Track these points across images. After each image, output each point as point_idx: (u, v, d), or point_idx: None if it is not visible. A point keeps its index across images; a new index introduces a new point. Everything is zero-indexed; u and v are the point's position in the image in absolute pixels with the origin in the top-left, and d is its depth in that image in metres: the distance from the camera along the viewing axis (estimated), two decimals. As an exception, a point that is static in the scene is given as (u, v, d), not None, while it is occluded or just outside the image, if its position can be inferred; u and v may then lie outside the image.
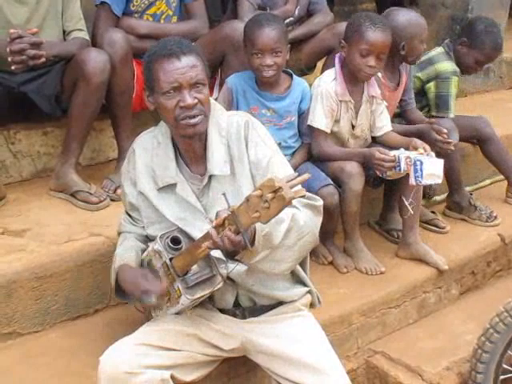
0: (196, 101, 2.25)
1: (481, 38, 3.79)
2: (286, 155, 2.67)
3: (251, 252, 2.11)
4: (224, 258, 2.23)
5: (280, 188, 1.86)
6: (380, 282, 3.21)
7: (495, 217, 3.80)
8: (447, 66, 3.76)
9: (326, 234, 3.24)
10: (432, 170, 3.02)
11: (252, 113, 3.05)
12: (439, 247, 3.51)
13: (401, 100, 3.60)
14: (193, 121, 2.25)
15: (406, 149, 3.14)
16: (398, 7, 3.57)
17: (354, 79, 3.19)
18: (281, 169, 2.33)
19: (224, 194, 2.05)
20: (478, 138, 3.99)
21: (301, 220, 2.21)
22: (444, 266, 3.33)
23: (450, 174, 3.74)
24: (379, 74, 3.31)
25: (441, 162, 3.07)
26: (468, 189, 4.10)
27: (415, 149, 3.12)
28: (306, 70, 3.89)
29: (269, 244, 2.15)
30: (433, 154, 3.09)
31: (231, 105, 3.09)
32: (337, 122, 3.21)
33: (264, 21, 3.09)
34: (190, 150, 2.36)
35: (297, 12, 3.81)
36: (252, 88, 3.15)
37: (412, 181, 3.05)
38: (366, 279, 3.13)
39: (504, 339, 2.75)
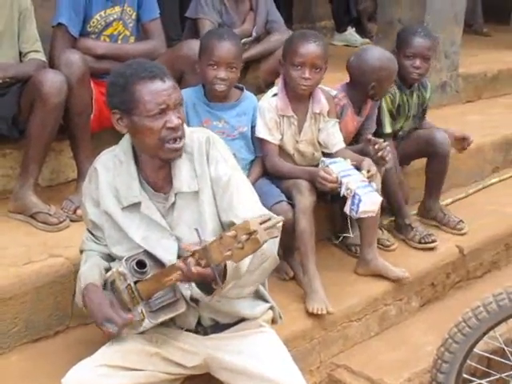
0: (180, 121, 2.28)
1: (401, 36, 3.81)
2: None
3: (222, 287, 2.14)
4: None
5: (255, 231, 1.92)
6: (341, 295, 3.23)
7: (432, 240, 3.72)
8: None
9: (287, 250, 3.27)
10: (368, 207, 3.10)
11: (204, 125, 3.09)
12: (398, 260, 3.55)
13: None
14: (177, 145, 2.29)
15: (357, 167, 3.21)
16: (374, 46, 3.56)
17: (296, 95, 3.24)
18: (241, 188, 2.38)
19: (196, 229, 2.08)
20: (430, 153, 3.90)
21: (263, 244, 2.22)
22: (405, 274, 3.35)
23: (389, 197, 3.70)
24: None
25: (379, 200, 3.16)
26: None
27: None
28: (265, 87, 3.93)
29: (238, 274, 2.17)
30: (374, 185, 3.15)
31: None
32: (280, 136, 3.26)
33: (225, 34, 3.14)
34: (158, 169, 2.37)
35: (254, 31, 3.87)
36: (202, 101, 3.18)
37: (347, 210, 3.14)
38: (327, 293, 3.13)
39: (463, 349, 2.77)
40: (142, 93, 2.25)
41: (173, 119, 2.25)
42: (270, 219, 1.99)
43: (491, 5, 7.63)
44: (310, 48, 3.16)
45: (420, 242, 3.72)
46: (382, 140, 3.34)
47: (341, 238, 3.63)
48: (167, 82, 2.27)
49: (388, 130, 3.74)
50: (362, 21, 6.68)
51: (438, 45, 3.92)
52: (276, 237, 2.04)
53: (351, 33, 6.55)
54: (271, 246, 2.26)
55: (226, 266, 2.11)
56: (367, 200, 3.10)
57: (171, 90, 2.26)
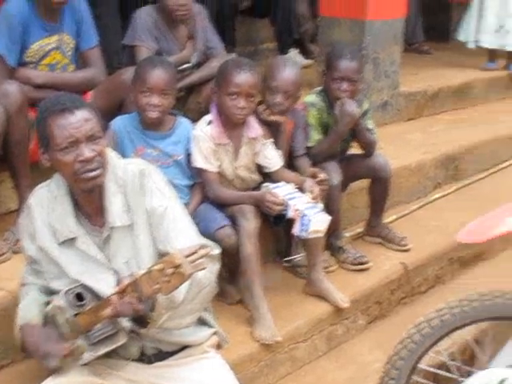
0: (94, 153, 2.25)
1: (328, 59, 3.80)
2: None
3: (155, 318, 2.16)
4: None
5: (180, 265, 1.97)
6: (288, 317, 3.25)
7: (365, 262, 3.74)
8: (307, 98, 3.78)
9: (232, 273, 3.28)
10: (318, 226, 3.16)
11: (138, 153, 3.10)
12: (344, 278, 3.60)
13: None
14: (92, 174, 2.25)
15: (300, 188, 3.25)
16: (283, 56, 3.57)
17: (230, 122, 3.25)
18: (177, 218, 2.39)
19: (127, 262, 2.12)
20: (372, 178, 3.94)
21: (200, 273, 2.22)
22: (344, 304, 3.38)
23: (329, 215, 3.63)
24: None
25: (328, 219, 3.22)
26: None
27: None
28: (207, 112, 3.94)
29: (172, 305, 2.18)
30: (321, 205, 3.21)
31: (117, 147, 3.09)
32: (218, 163, 3.27)
33: (157, 62, 3.17)
34: (89, 202, 2.35)
35: (194, 58, 3.89)
36: (136, 128, 3.18)
37: (296, 231, 3.18)
38: (274, 316, 3.15)
39: (408, 365, 2.80)
40: (52, 127, 2.24)
41: (84, 152, 2.23)
42: (197, 251, 2.03)
43: (432, 24, 7.79)
44: (245, 77, 3.17)
45: (353, 264, 3.74)
46: (322, 175, 3.42)
47: (288, 260, 3.66)
48: (78, 114, 2.24)
49: (310, 144, 3.69)
50: (304, 42, 6.74)
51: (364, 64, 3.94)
52: (203, 268, 2.07)
53: (294, 54, 6.61)
54: (208, 275, 2.28)
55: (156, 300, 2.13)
56: (317, 220, 3.14)
57: (81, 123, 2.24)
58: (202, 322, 2.54)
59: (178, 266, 1.97)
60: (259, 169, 3.42)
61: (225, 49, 4.38)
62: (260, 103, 3.45)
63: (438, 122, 5.77)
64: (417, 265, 3.91)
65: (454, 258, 4.15)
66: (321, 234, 3.21)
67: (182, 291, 2.19)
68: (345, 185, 3.88)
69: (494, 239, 2.70)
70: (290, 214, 3.15)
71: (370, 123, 3.86)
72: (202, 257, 2.04)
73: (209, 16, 4.05)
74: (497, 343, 2.90)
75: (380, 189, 3.91)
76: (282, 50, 6.69)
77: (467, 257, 4.24)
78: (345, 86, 3.67)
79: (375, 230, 4.04)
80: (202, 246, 2.21)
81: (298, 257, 3.57)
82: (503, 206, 2.77)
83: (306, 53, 6.56)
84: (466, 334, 2.95)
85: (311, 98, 3.77)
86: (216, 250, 2.38)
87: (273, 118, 3.42)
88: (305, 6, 6.54)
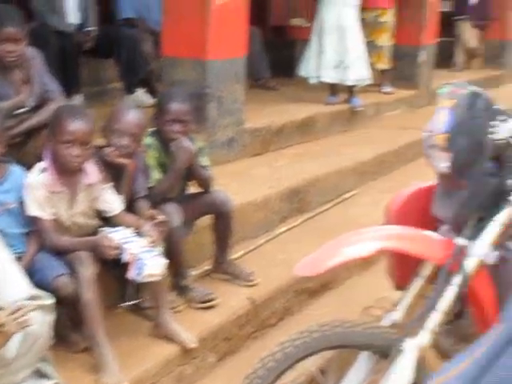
0: None
1: (158, 101, 3.92)
2: (10, 244, 2.64)
3: None
4: None
5: (3, 324, 1.96)
6: (135, 361, 3.21)
7: (212, 299, 3.75)
8: (145, 140, 3.78)
9: (74, 322, 3.21)
10: (153, 270, 3.17)
11: None
12: (192, 317, 3.61)
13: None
14: None
15: (139, 232, 3.27)
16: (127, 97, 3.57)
17: (66, 169, 3.23)
18: (6, 269, 2.34)
19: None
20: (213, 214, 3.99)
21: (33, 325, 2.17)
22: (190, 344, 3.38)
23: (171, 257, 3.60)
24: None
25: (164, 262, 3.23)
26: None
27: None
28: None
29: (4, 362, 2.13)
30: (157, 249, 3.24)
31: None
32: (54, 210, 3.23)
33: None
34: None
35: (30, 102, 3.82)
36: None
37: (131, 275, 3.17)
38: (121, 361, 3.10)
39: (255, 400, 2.85)
40: None
41: None
42: (22, 308, 2.00)
43: (277, 60, 8.02)
44: (79, 125, 3.16)
45: (200, 302, 3.74)
46: (160, 218, 3.42)
47: (129, 304, 3.60)
48: None
49: (150, 184, 3.71)
50: (151, 82, 6.76)
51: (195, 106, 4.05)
52: (29, 325, 2.04)
53: (141, 94, 6.61)
54: (41, 327, 2.24)
55: None
56: (152, 263, 3.15)
57: None
58: (41, 375, 2.48)
59: (1, 325, 1.93)
60: (99, 213, 3.39)
61: (70, 90, 4.33)
62: (103, 147, 3.44)
63: (284, 156, 5.91)
64: (264, 298, 3.97)
65: (299, 290, 4.24)
66: (157, 278, 3.21)
67: (13, 347, 2.14)
68: (189, 224, 3.90)
69: (334, 269, 2.81)
70: (126, 257, 3.15)
71: (204, 160, 3.94)
72: (27, 313, 2.00)
73: (46, 59, 4.00)
74: (341, 371, 2.98)
75: (223, 224, 3.97)
76: (129, 89, 6.67)
77: (314, 287, 4.36)
78: (177, 127, 3.75)
79: (222, 267, 4.08)
80: (33, 297, 2.17)
81: (139, 301, 3.54)
82: (339, 236, 2.89)
83: (152, 92, 6.58)
84: (311, 364, 3.03)
85: (146, 139, 3.79)
86: (48, 301, 2.34)
87: (120, 160, 3.42)
88: (149, 45, 6.56)
